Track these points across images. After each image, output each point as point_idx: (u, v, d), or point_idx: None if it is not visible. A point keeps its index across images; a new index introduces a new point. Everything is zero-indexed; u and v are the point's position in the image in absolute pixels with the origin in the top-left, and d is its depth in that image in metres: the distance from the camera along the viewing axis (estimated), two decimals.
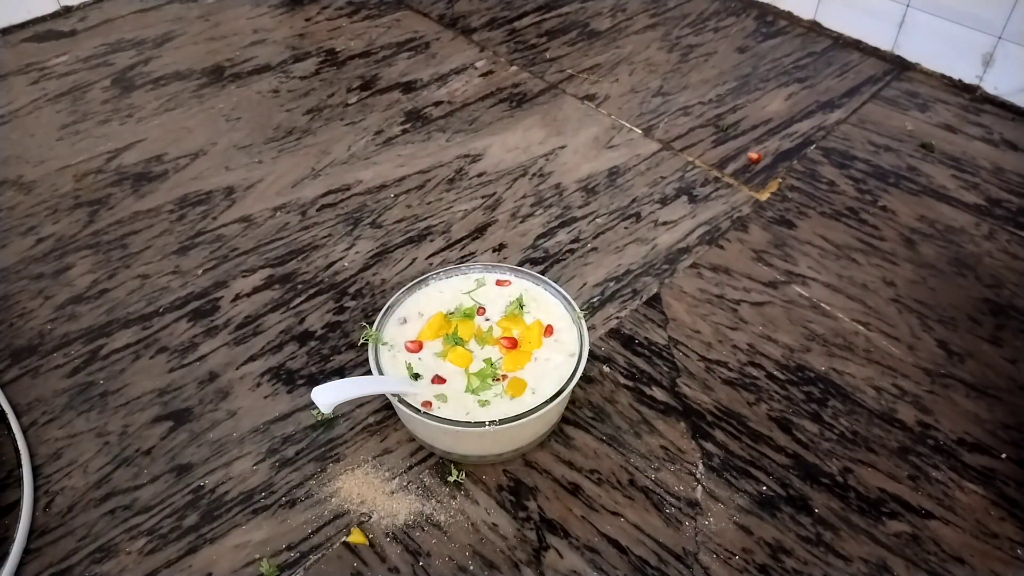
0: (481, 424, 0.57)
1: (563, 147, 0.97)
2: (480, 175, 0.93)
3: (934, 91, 1.07)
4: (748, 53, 1.15)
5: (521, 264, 0.81)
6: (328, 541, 0.59)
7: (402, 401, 0.58)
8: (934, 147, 0.97)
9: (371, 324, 0.65)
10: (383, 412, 0.67)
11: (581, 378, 0.61)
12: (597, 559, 0.58)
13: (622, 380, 0.70)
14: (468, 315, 0.65)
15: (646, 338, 0.74)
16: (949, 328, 0.75)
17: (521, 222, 0.87)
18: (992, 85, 1.05)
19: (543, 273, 0.78)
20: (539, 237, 0.85)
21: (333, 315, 0.76)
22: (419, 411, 0.58)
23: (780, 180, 0.92)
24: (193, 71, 1.11)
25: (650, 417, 0.67)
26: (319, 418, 0.67)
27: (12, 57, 1.14)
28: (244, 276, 0.80)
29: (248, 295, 0.78)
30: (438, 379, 0.61)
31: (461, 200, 0.89)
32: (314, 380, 0.70)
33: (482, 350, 0.63)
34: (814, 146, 0.97)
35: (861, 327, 0.75)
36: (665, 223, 0.86)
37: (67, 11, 1.24)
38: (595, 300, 0.78)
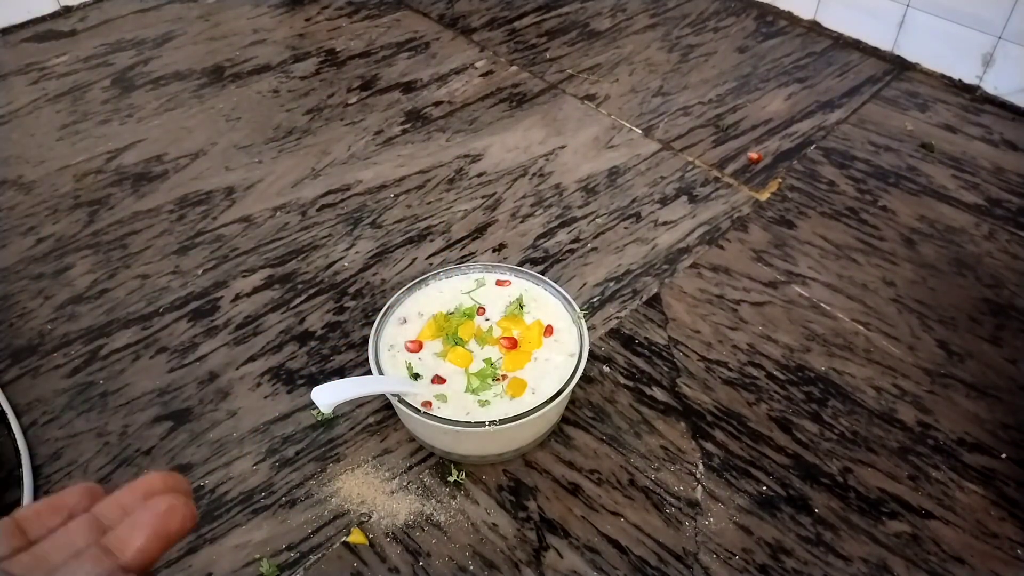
0: (481, 424, 0.57)
1: (563, 147, 0.97)
2: (480, 175, 0.93)
3: (934, 91, 1.07)
4: (748, 53, 1.15)
5: (521, 264, 0.81)
6: (328, 541, 0.59)
7: (402, 401, 0.58)
8: (934, 147, 0.97)
9: (371, 324, 0.64)
10: (383, 412, 0.68)
11: (581, 378, 0.61)
12: (597, 559, 0.58)
13: (622, 380, 0.70)
14: (468, 315, 0.65)
15: (646, 338, 0.74)
16: (949, 328, 0.75)
17: (521, 222, 0.87)
18: (992, 85, 1.05)
19: (543, 273, 0.78)
20: (539, 237, 0.85)
21: (333, 315, 0.76)
22: (419, 411, 0.58)
23: (780, 180, 0.92)
24: (193, 71, 1.11)
25: (650, 417, 0.67)
26: (319, 418, 0.67)
27: (12, 57, 1.14)
28: (244, 276, 0.80)
29: (248, 295, 0.78)
30: (438, 379, 0.61)
31: (461, 200, 0.89)
32: (314, 380, 0.70)
33: (482, 350, 0.63)
34: (814, 146, 0.97)
35: (861, 327, 0.75)
36: (665, 223, 0.86)
37: (67, 11, 1.24)
38: (595, 300, 0.78)
